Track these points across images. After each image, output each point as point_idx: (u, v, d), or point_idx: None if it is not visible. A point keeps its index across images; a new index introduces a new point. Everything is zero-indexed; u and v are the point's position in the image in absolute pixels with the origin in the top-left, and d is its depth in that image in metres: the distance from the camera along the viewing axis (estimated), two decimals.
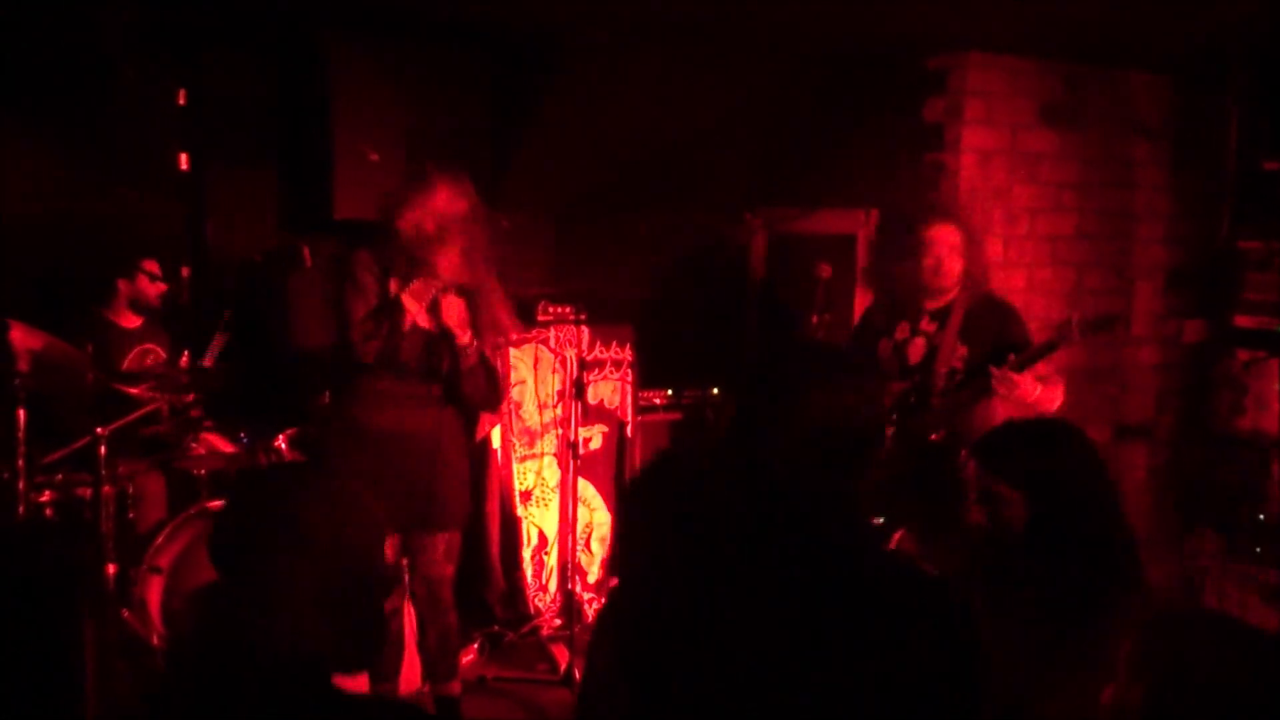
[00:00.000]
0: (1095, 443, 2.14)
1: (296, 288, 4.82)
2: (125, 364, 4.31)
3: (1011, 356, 3.51)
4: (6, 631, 2.30)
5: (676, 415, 5.13)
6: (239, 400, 4.41)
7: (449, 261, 3.38)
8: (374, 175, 4.63)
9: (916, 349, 3.65)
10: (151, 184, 4.58)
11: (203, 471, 4.16)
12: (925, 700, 1.50)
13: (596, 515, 4.91)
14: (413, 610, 3.71)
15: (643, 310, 5.12)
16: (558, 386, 4.77)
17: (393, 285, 3.42)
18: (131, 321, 4.41)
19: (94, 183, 4.52)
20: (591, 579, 4.91)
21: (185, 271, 4.58)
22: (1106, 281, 4.86)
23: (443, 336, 3.46)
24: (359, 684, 3.47)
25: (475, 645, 4.43)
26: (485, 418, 4.61)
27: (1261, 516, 4.39)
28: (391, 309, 3.39)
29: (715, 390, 5.20)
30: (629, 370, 4.94)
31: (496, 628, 4.57)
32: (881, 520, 3.52)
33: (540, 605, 4.76)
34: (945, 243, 3.58)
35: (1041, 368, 3.55)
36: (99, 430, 3.58)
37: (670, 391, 5.11)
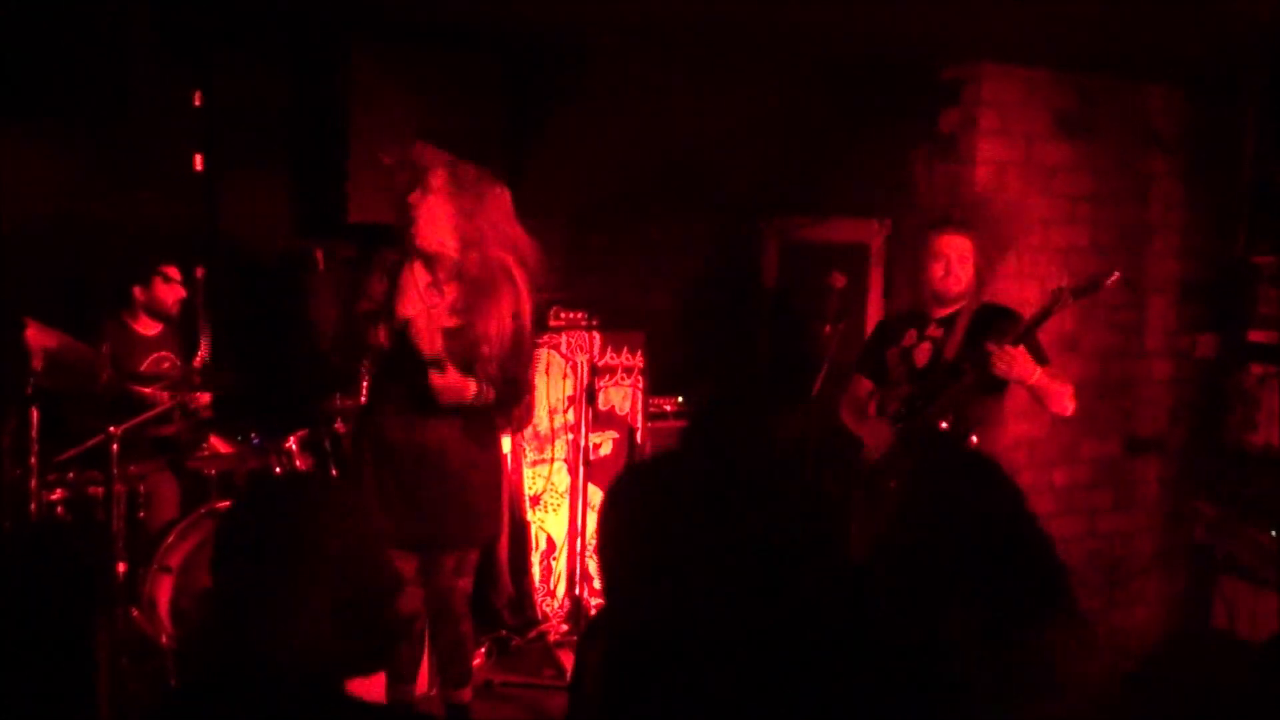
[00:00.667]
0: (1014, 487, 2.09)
1: (309, 290, 4.83)
2: (142, 370, 4.32)
3: (1009, 333, 3.48)
4: (22, 629, 2.31)
5: (686, 422, 5.12)
6: (250, 402, 4.43)
7: (426, 226, 3.15)
8: (387, 179, 4.65)
9: (923, 353, 3.66)
10: (166, 186, 4.60)
11: (213, 471, 4.17)
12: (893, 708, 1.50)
13: None
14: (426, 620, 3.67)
15: (654, 317, 5.13)
16: (569, 392, 4.78)
17: (404, 278, 3.23)
18: (149, 328, 4.42)
19: (109, 185, 4.54)
20: (599, 585, 4.90)
21: (199, 273, 4.59)
22: (1120, 294, 4.85)
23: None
24: (375, 685, 3.49)
25: (482, 650, 4.42)
26: (495, 421, 4.62)
27: (1275, 533, 4.36)
28: (377, 315, 3.21)
29: (724, 398, 5.20)
30: (640, 377, 4.94)
31: (504, 632, 4.57)
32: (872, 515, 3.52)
33: (548, 610, 4.76)
34: (953, 252, 3.57)
35: (1049, 369, 3.54)
36: (112, 429, 3.59)
37: (681, 399, 5.11)
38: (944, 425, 3.49)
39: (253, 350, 4.81)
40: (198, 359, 4.31)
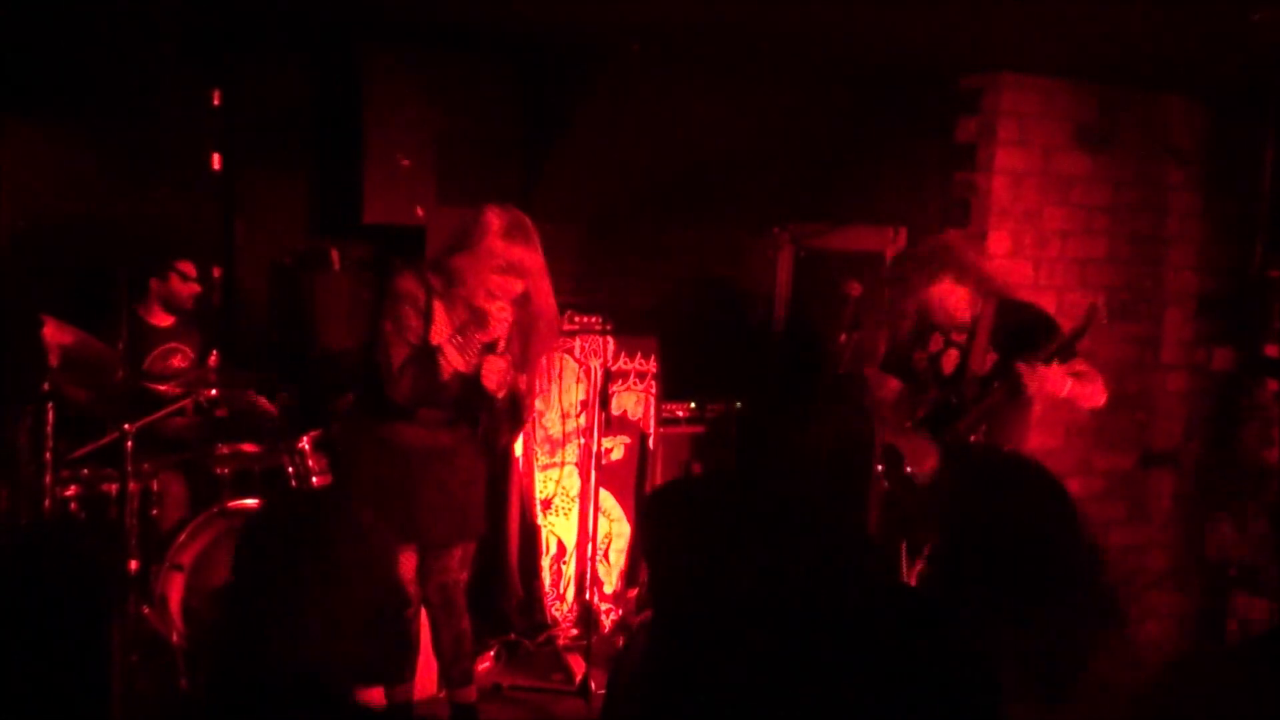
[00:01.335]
0: (1063, 490, 2.09)
1: (324, 290, 4.84)
2: (149, 361, 4.33)
3: (1041, 351, 3.49)
4: (36, 625, 2.32)
5: (699, 428, 5.12)
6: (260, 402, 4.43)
7: (504, 316, 3.27)
8: (403, 181, 4.66)
9: (950, 360, 3.66)
10: (185, 184, 4.62)
11: (226, 470, 4.18)
12: None
13: (616, 526, 4.90)
14: (426, 616, 3.69)
15: (668, 322, 5.12)
16: (581, 396, 4.77)
17: (437, 308, 3.30)
18: (163, 320, 4.44)
19: (128, 183, 4.55)
20: (609, 589, 4.90)
21: (216, 272, 4.60)
22: (1136, 306, 4.83)
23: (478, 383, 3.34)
24: (374, 690, 3.48)
25: (491, 653, 4.42)
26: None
27: None
28: (433, 355, 3.27)
29: (739, 404, 5.19)
30: (653, 382, 4.94)
31: (513, 636, 4.57)
32: (916, 529, 3.52)
33: (557, 615, 4.76)
34: (946, 302, 3.57)
35: (1077, 364, 3.53)
36: (126, 427, 3.60)
37: (693, 404, 5.10)
38: (974, 439, 3.49)
39: (267, 349, 4.82)
40: (213, 358, 4.31)
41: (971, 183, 4.56)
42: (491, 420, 3.50)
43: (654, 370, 4.93)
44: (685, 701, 1.48)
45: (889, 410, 3.83)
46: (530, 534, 4.71)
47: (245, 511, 3.96)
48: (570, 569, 4.80)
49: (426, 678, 3.97)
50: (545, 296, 3.37)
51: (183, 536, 3.91)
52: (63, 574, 3.11)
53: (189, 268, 4.37)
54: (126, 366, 3.80)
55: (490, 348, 3.30)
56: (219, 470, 4.17)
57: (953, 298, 3.56)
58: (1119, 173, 4.72)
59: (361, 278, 4.88)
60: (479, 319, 3.26)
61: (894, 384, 3.84)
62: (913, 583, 3.28)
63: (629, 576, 4.95)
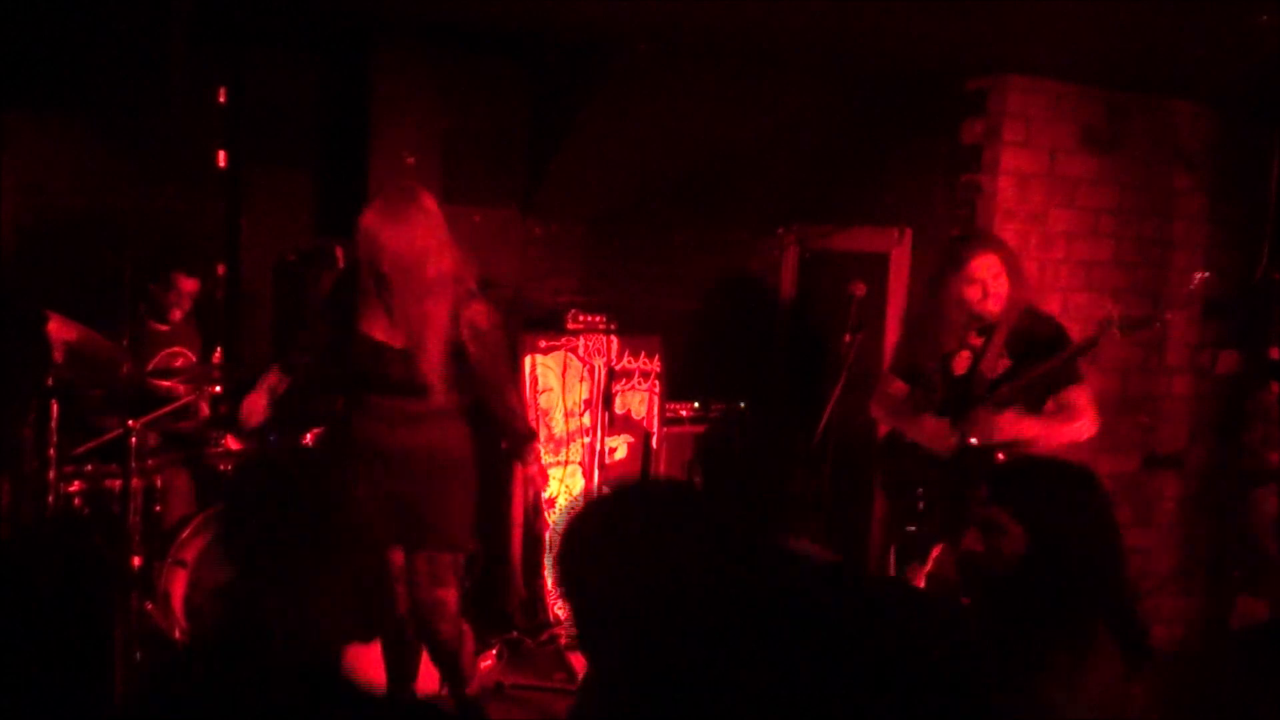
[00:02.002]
0: (1109, 497, 2.10)
1: (329, 287, 4.83)
2: (152, 365, 4.34)
3: (1003, 389, 3.48)
4: (40, 622, 2.32)
5: (702, 428, 5.11)
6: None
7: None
8: (408, 179, 4.65)
9: (962, 361, 3.64)
10: (190, 181, 4.62)
11: (229, 467, 4.18)
12: None
13: None
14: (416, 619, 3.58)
15: (672, 321, 5.12)
16: (585, 395, 4.77)
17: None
18: (164, 325, 4.44)
19: (134, 178, 4.56)
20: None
21: (220, 269, 4.60)
22: (1141, 309, 4.81)
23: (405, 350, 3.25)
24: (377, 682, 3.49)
25: (494, 651, 4.42)
26: None
27: None
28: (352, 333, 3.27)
29: (742, 404, 5.19)
30: (656, 381, 4.93)
31: (515, 634, 4.57)
32: (917, 531, 3.51)
33: (560, 614, 4.75)
34: (989, 271, 3.55)
35: (1071, 393, 3.52)
36: (131, 423, 3.60)
37: (697, 404, 5.10)
38: (973, 441, 3.48)
39: (271, 347, 4.82)
40: (216, 355, 4.32)
41: (977, 184, 4.55)
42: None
43: (658, 370, 4.93)
44: None
45: (895, 406, 3.82)
46: (533, 533, 4.71)
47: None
48: None
49: (428, 677, 3.97)
50: (417, 278, 3.21)
51: (186, 533, 3.91)
52: (66, 570, 3.11)
53: (182, 281, 4.37)
54: (131, 362, 3.80)
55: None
56: (222, 467, 4.17)
57: (992, 273, 3.52)
58: (1125, 176, 4.71)
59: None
60: (416, 294, 3.21)
61: (900, 386, 3.83)
62: (920, 584, 3.28)
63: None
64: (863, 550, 4.75)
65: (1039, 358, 3.47)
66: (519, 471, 4.67)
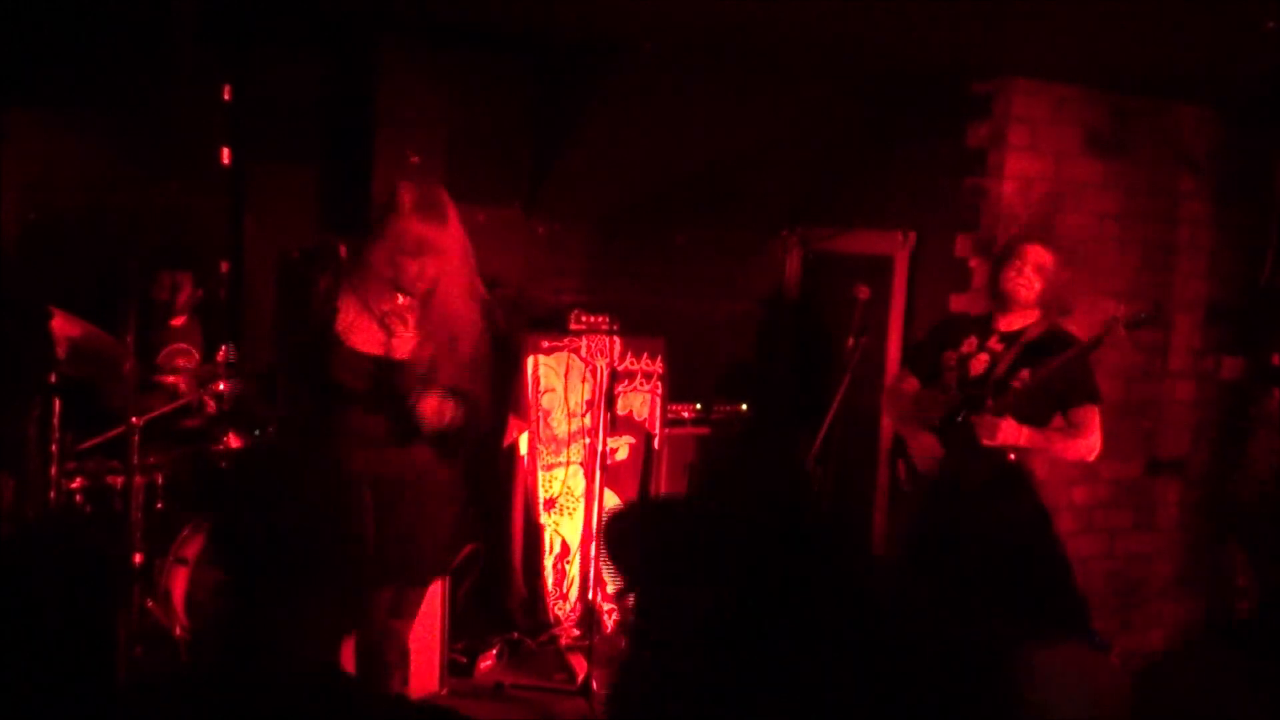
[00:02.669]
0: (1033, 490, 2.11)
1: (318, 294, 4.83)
2: (158, 361, 4.34)
3: (990, 401, 3.52)
4: (41, 618, 2.32)
5: (704, 430, 5.11)
6: (269, 397, 4.43)
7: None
8: (413, 177, 4.65)
9: (979, 363, 3.65)
10: (194, 178, 4.62)
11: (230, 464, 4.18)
12: None
13: None
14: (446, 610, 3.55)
15: (676, 323, 5.12)
16: (587, 396, 4.77)
17: (347, 305, 3.07)
18: (175, 320, 4.46)
19: (139, 175, 4.56)
20: (612, 589, 4.89)
21: (224, 267, 4.60)
22: (1144, 305, 4.81)
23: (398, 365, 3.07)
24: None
25: (494, 651, 4.42)
26: (514, 423, 4.62)
27: None
28: (334, 346, 3.04)
29: (744, 406, 5.18)
30: (659, 382, 4.93)
31: (516, 635, 4.57)
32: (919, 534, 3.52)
33: (560, 614, 4.76)
34: (1035, 260, 3.62)
35: (1080, 413, 3.52)
36: (134, 420, 3.61)
37: (699, 405, 5.10)
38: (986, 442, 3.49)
39: (273, 345, 4.81)
40: (220, 353, 4.31)
41: (982, 187, 4.55)
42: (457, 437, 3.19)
43: (660, 371, 4.93)
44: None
45: (904, 406, 3.83)
46: (534, 533, 4.71)
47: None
48: (574, 569, 4.80)
49: (428, 676, 3.97)
50: (458, 283, 3.06)
51: (187, 530, 3.91)
52: (67, 566, 3.11)
53: (169, 278, 4.37)
54: (135, 358, 3.80)
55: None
56: (225, 465, 4.17)
57: (1040, 264, 3.60)
58: (1130, 180, 4.70)
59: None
60: (394, 313, 3.04)
61: (913, 382, 3.83)
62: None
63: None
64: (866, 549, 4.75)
65: (1046, 363, 3.48)
66: (520, 470, 4.68)
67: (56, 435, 3.49)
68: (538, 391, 4.65)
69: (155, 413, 3.75)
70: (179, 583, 3.84)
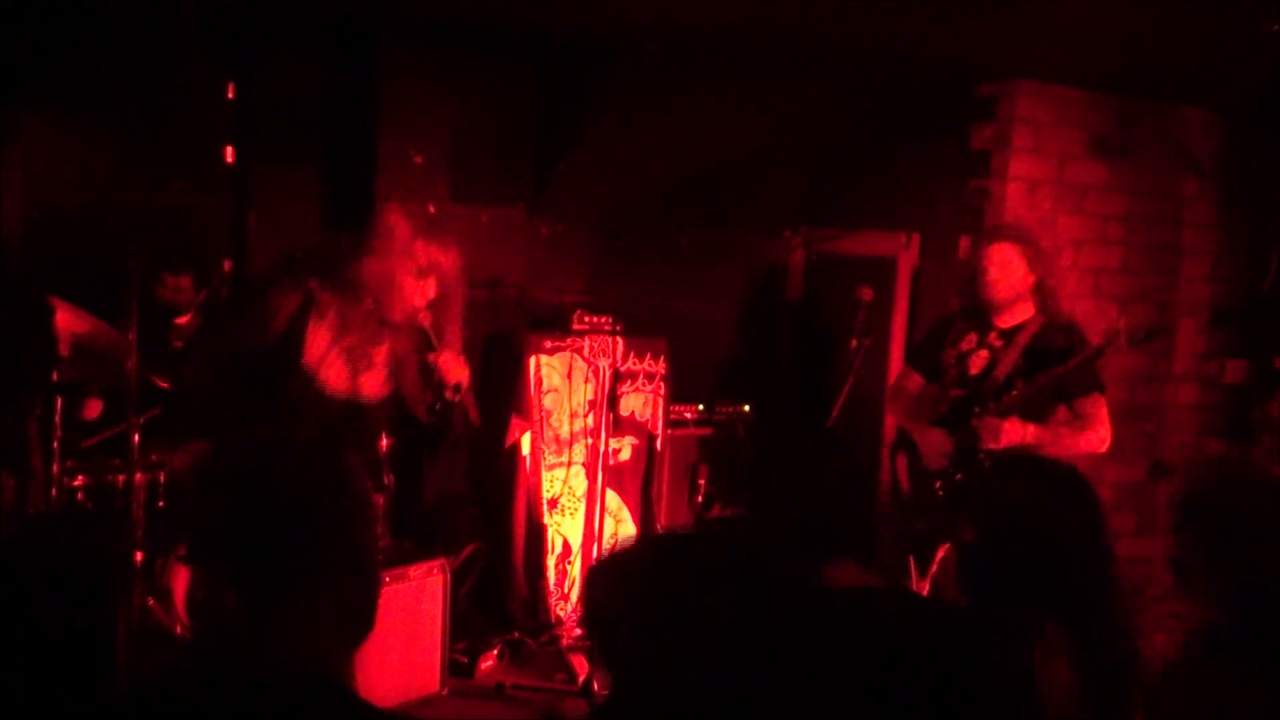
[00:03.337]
0: (1085, 493, 2.09)
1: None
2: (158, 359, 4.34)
3: (991, 404, 3.51)
4: (43, 615, 2.32)
5: (707, 430, 5.11)
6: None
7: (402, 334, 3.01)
8: (416, 176, 4.66)
9: (979, 361, 3.64)
10: (197, 177, 4.62)
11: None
12: None
13: (622, 527, 4.90)
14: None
15: (678, 323, 5.11)
16: (589, 396, 4.77)
17: (316, 326, 3.02)
18: (180, 319, 4.46)
19: (142, 173, 4.56)
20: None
21: (227, 265, 4.61)
22: (1149, 317, 4.80)
23: None
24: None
25: (495, 651, 4.42)
26: (516, 423, 4.62)
27: None
28: (304, 376, 3.02)
29: (746, 407, 5.18)
30: (661, 383, 4.93)
31: (517, 635, 4.56)
32: (928, 531, 3.52)
33: (561, 614, 4.75)
34: (998, 260, 3.58)
35: (1085, 405, 3.51)
36: (134, 419, 3.60)
37: (701, 406, 5.10)
38: (985, 448, 3.48)
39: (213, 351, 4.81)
40: None
41: (985, 189, 4.54)
42: (439, 422, 3.23)
43: (663, 371, 4.92)
44: None
45: (910, 404, 3.82)
46: (536, 533, 4.71)
47: None
48: (575, 569, 4.80)
49: (428, 676, 3.97)
50: (456, 305, 3.08)
51: None
52: (69, 564, 3.11)
53: (174, 279, 4.38)
54: (137, 355, 3.80)
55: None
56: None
57: (1004, 262, 3.57)
58: (1135, 183, 4.70)
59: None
60: (374, 337, 2.98)
61: (917, 379, 3.83)
62: (925, 592, 3.27)
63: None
64: (869, 551, 4.74)
65: (1048, 367, 3.47)
66: (522, 472, 4.68)
67: (59, 433, 3.49)
68: (540, 391, 4.65)
69: (158, 409, 3.75)
70: (180, 581, 3.83)
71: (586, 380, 4.76)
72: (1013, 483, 2.13)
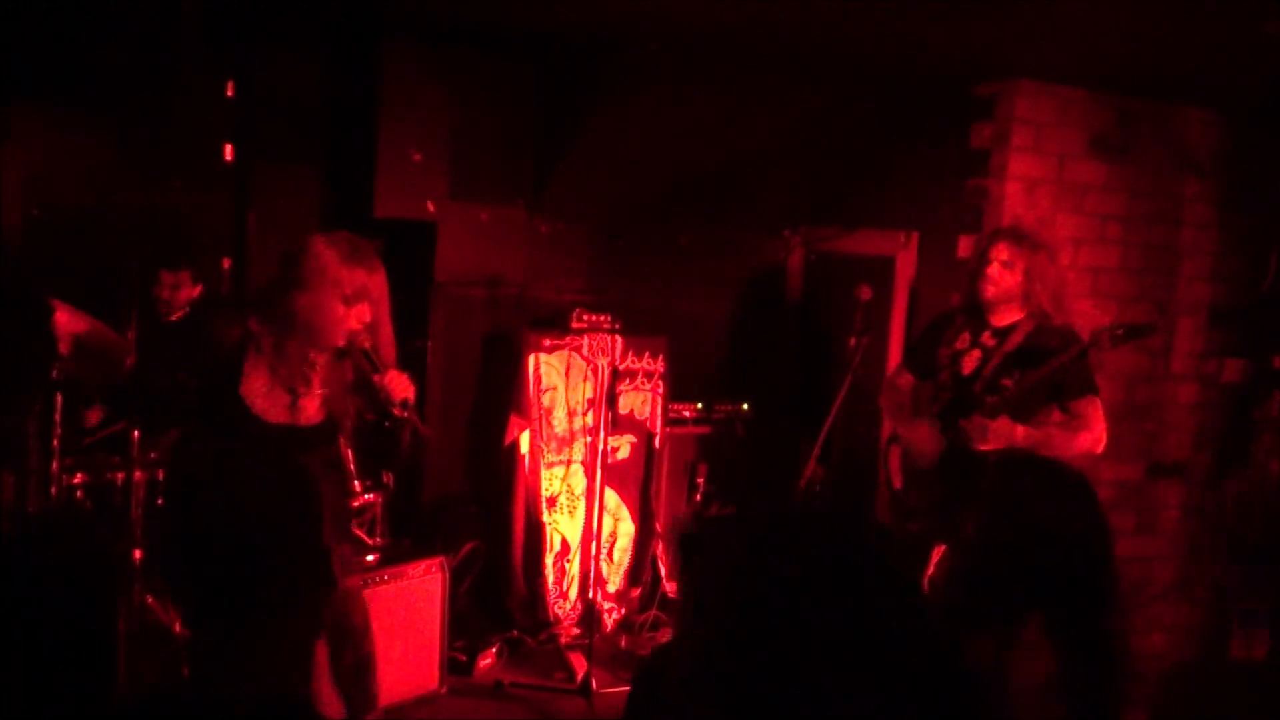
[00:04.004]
0: (1088, 496, 2.10)
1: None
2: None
3: (995, 397, 3.49)
4: (42, 614, 2.32)
5: (706, 429, 5.11)
6: None
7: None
8: (416, 175, 4.66)
9: (971, 360, 3.64)
10: (197, 176, 4.63)
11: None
12: None
13: (621, 525, 4.90)
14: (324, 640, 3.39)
15: (677, 322, 5.12)
16: (588, 394, 4.77)
17: (253, 360, 3.06)
18: (175, 316, 4.47)
19: (142, 172, 4.56)
20: (612, 588, 4.90)
21: (226, 264, 4.61)
22: (1148, 316, 4.80)
23: None
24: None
25: (493, 650, 4.43)
26: (515, 421, 4.63)
27: None
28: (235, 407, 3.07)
29: (745, 406, 5.18)
30: (660, 381, 4.93)
31: (515, 633, 4.57)
32: (922, 532, 3.52)
33: (560, 613, 4.76)
34: (996, 258, 3.59)
35: (1081, 404, 3.50)
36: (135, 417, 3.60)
37: (700, 405, 5.10)
38: (981, 449, 3.47)
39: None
40: None
41: (984, 189, 4.54)
42: (388, 441, 3.32)
43: (662, 370, 4.93)
44: None
45: (901, 399, 3.83)
46: (535, 531, 4.71)
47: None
48: (574, 567, 4.80)
49: (427, 674, 3.98)
50: (388, 324, 3.11)
51: None
52: (68, 562, 3.11)
53: (170, 277, 4.38)
54: (136, 355, 3.80)
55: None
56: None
57: (1004, 260, 3.58)
58: (1134, 182, 4.69)
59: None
60: (308, 366, 3.03)
61: (909, 378, 3.83)
62: (924, 587, 3.28)
63: (632, 575, 4.95)
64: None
65: (1035, 367, 3.47)
66: (521, 470, 4.68)
67: (58, 431, 3.50)
68: (539, 390, 4.66)
69: (156, 410, 3.74)
70: None
71: (585, 379, 4.77)
72: (1018, 482, 2.14)
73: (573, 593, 4.80)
